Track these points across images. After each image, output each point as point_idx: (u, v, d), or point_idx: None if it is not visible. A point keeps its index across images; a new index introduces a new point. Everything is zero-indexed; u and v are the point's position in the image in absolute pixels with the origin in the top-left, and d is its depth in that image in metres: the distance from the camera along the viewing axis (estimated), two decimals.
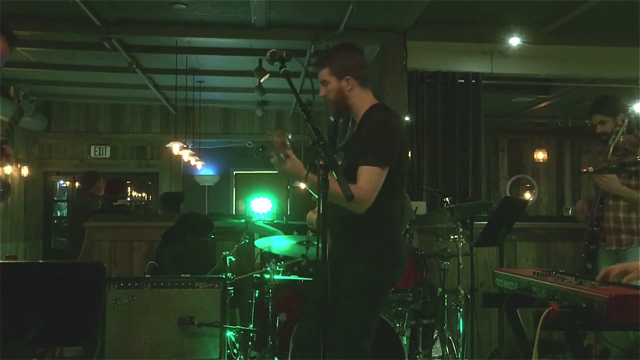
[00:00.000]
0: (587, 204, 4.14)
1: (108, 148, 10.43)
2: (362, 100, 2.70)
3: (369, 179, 2.48)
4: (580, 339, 2.26)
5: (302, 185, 2.70)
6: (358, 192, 2.34)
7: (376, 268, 2.59)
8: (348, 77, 2.66)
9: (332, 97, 2.69)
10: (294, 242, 4.06)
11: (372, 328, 2.62)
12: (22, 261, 4.21)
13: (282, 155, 2.28)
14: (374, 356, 3.36)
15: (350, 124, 2.90)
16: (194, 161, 9.26)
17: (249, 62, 6.62)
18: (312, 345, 2.55)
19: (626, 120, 3.78)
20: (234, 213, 10.24)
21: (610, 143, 3.77)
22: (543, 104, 9.14)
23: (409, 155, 5.79)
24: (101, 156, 10.41)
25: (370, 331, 2.60)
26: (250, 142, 10.61)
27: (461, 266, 4.08)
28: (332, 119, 4.83)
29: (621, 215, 3.87)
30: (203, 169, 10.36)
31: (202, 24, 5.65)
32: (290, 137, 2.33)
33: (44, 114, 9.82)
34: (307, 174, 2.32)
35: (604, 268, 2.32)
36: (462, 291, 4.11)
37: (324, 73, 2.69)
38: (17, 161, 9.42)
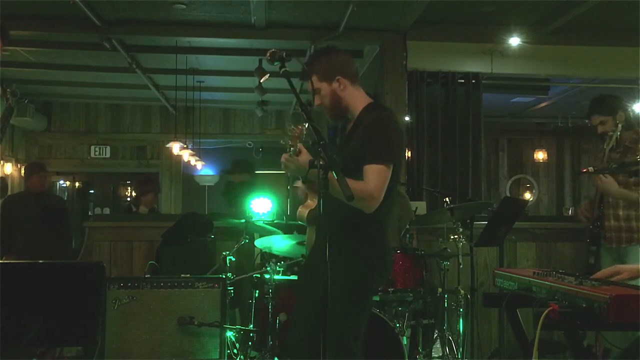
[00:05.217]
0: (590, 204, 4.15)
1: (108, 148, 10.42)
2: (356, 98, 2.66)
3: (378, 176, 2.45)
4: (580, 339, 2.26)
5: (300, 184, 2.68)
6: (369, 191, 2.38)
7: (366, 269, 2.57)
8: (338, 77, 2.62)
9: (327, 102, 2.64)
10: (294, 242, 4.05)
11: (362, 329, 2.59)
12: (22, 261, 4.19)
13: (296, 149, 2.29)
14: (374, 356, 3.38)
15: (342, 124, 2.82)
16: (194, 161, 9.25)
17: (249, 62, 6.61)
18: (306, 350, 2.53)
19: (623, 118, 3.78)
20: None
21: (607, 142, 3.78)
22: (543, 104, 9.14)
23: (409, 155, 5.82)
24: (101, 156, 10.40)
25: (359, 332, 2.57)
26: (250, 142, 10.60)
27: (461, 266, 4.07)
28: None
29: (621, 212, 3.88)
30: (203, 169, 10.36)
31: (202, 24, 5.65)
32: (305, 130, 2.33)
33: (44, 114, 9.81)
34: (309, 171, 2.31)
35: (605, 266, 2.32)
36: (462, 291, 4.11)
37: (314, 81, 2.62)
38: (17, 161, 9.42)
